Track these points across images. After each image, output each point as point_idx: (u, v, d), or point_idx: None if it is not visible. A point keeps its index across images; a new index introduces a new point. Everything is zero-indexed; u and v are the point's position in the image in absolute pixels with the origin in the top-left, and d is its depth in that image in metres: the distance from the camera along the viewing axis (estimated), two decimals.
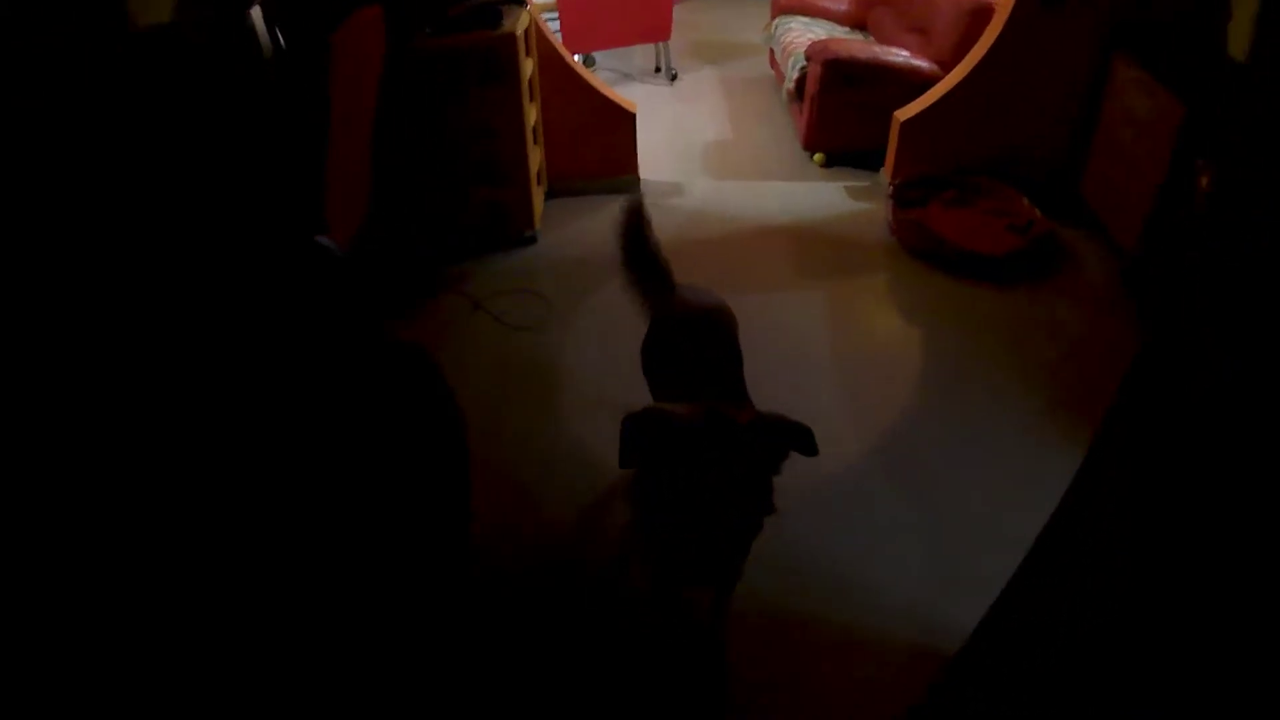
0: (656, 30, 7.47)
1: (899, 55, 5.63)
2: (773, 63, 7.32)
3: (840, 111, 5.80)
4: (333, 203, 3.61)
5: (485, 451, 3.69)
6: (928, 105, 5.25)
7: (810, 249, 5.20)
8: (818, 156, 6.10)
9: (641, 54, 8.44)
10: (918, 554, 3.27)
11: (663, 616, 3.10)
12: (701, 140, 6.66)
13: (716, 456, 2.38)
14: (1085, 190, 5.14)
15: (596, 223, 5.42)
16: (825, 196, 5.72)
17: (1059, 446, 3.65)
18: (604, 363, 4.24)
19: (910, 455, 3.70)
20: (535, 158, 5.16)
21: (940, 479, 3.58)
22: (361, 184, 4.20)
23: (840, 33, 6.67)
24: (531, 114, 4.97)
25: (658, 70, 8.05)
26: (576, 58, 6.30)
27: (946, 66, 5.46)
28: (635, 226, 3.33)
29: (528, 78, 4.83)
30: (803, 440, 2.43)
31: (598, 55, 8.23)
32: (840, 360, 4.28)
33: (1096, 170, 5.03)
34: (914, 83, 5.50)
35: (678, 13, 8.05)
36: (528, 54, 4.87)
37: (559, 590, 3.19)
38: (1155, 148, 4.34)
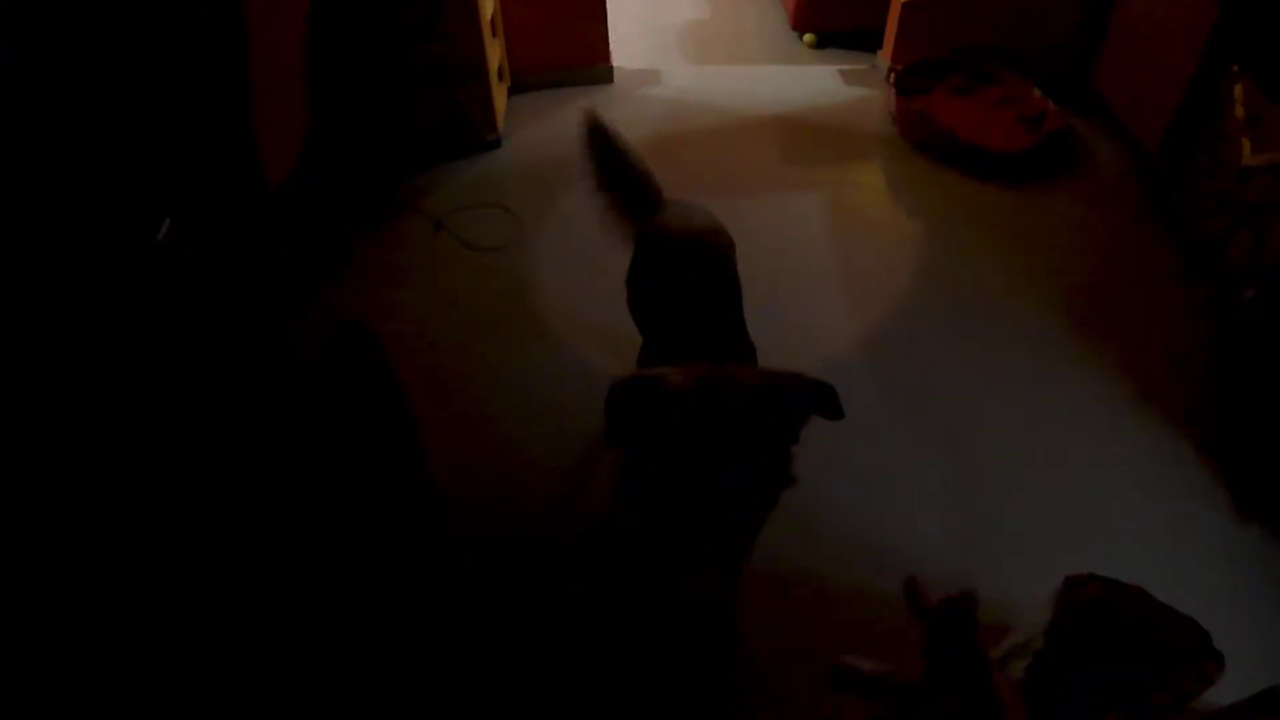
0: None
1: None
2: None
3: None
4: (262, 129, 3.14)
5: (456, 394, 3.42)
6: None
7: (803, 141, 4.75)
8: (808, 37, 5.56)
9: None
10: (933, 500, 3.00)
11: (657, 598, 2.75)
12: (679, 20, 6.06)
13: (720, 430, 2.02)
14: (1100, 81, 4.69)
15: (567, 120, 4.86)
16: (817, 82, 5.22)
17: (1073, 363, 3.46)
18: (582, 285, 3.83)
19: (919, 380, 3.42)
20: (495, 52, 4.62)
21: (952, 407, 3.30)
22: (297, 97, 3.71)
23: None
24: (488, 6, 4.42)
25: None
26: None
27: None
28: (601, 140, 2.87)
29: None
30: (825, 402, 2.06)
31: None
32: (840, 268, 3.93)
33: (1113, 60, 4.58)
34: None
35: None
36: None
37: (541, 560, 2.88)
38: (1181, 46, 3.91)
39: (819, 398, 2.06)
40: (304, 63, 3.73)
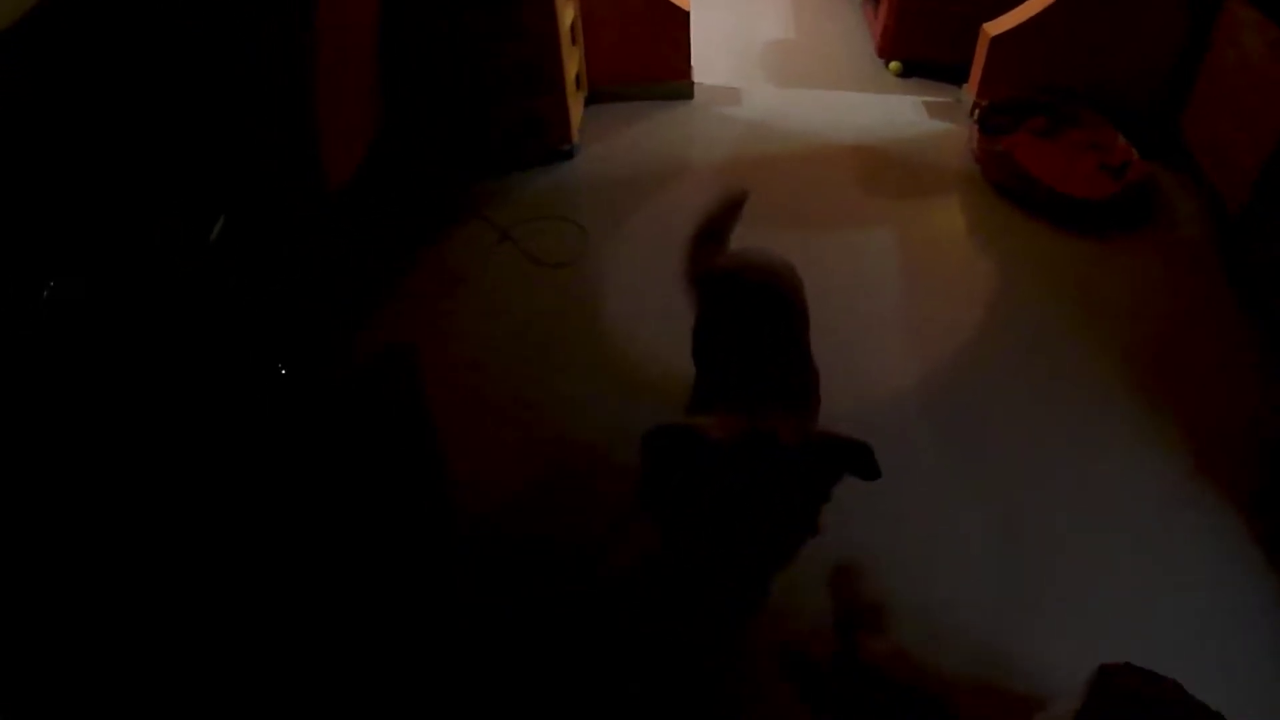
0: None
1: None
2: None
3: (921, 17, 5.16)
4: (328, 128, 3.12)
5: (500, 411, 3.38)
6: (1022, 20, 4.60)
7: (880, 173, 4.66)
8: (893, 65, 5.46)
9: None
10: (979, 557, 2.91)
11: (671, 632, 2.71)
12: (763, 39, 6.00)
13: (754, 485, 2.05)
14: (1186, 130, 4.53)
15: (643, 134, 4.90)
16: (900, 112, 5.12)
17: (1133, 426, 3.32)
18: (645, 311, 3.76)
19: (972, 428, 3.33)
20: (573, 60, 4.59)
21: (1003, 461, 3.20)
22: (366, 100, 3.70)
23: None
24: (568, 12, 4.39)
25: None
26: None
27: None
28: (732, 212, 2.94)
29: None
30: (861, 462, 2.06)
31: None
32: (906, 306, 3.86)
33: (1200, 110, 4.43)
34: None
35: None
36: None
37: (564, 594, 2.82)
38: (1272, 101, 3.76)
39: (856, 457, 2.05)
40: (375, 62, 3.71)
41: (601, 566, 2.86)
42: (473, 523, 2.96)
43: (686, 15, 4.89)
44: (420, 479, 2.57)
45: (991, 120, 4.55)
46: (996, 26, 4.70)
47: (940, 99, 5.21)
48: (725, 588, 2.41)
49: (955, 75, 5.16)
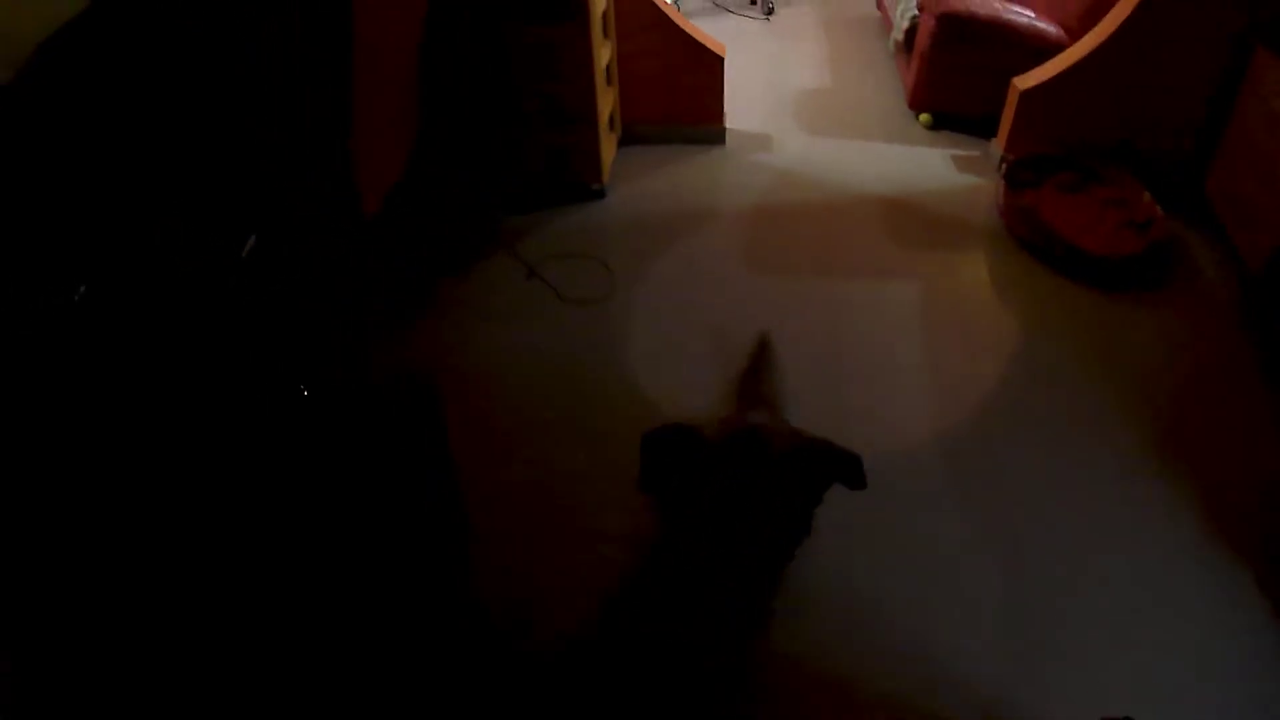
0: None
1: (1023, 15, 5.02)
2: (880, 4, 6.73)
3: (952, 71, 5.22)
4: (364, 150, 3.19)
5: (516, 447, 3.41)
6: (1052, 75, 4.65)
7: (908, 225, 4.69)
8: (924, 117, 5.53)
9: None
10: (986, 609, 2.89)
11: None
12: (796, 87, 6.09)
13: (748, 483, 2.14)
14: (1211, 190, 4.55)
15: (674, 177, 4.97)
16: (929, 165, 5.17)
17: (1147, 485, 3.28)
18: (667, 354, 3.80)
19: (987, 482, 3.31)
20: (607, 101, 4.68)
21: (1016, 514, 3.19)
22: (401, 127, 3.77)
23: None
24: (604, 54, 4.48)
25: (753, 2, 7.44)
26: None
27: (1074, 34, 4.86)
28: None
29: (600, 12, 4.33)
30: (849, 472, 2.19)
31: None
32: (927, 359, 3.84)
33: (1224, 168, 4.44)
34: (1037, 47, 4.90)
35: None
36: None
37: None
38: None
39: (845, 466, 2.16)
40: (414, 89, 3.78)
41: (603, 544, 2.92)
42: (484, 554, 2.97)
43: (721, 61, 4.99)
44: (434, 502, 2.57)
45: (1018, 175, 4.59)
46: (1026, 81, 4.75)
47: (969, 152, 5.25)
48: (725, 587, 2.33)
49: (985, 129, 5.21)
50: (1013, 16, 4.99)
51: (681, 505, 2.23)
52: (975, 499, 3.23)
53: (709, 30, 5.18)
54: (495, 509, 3.13)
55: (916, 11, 5.41)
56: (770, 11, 7.30)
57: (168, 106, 2.24)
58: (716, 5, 7.42)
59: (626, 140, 5.17)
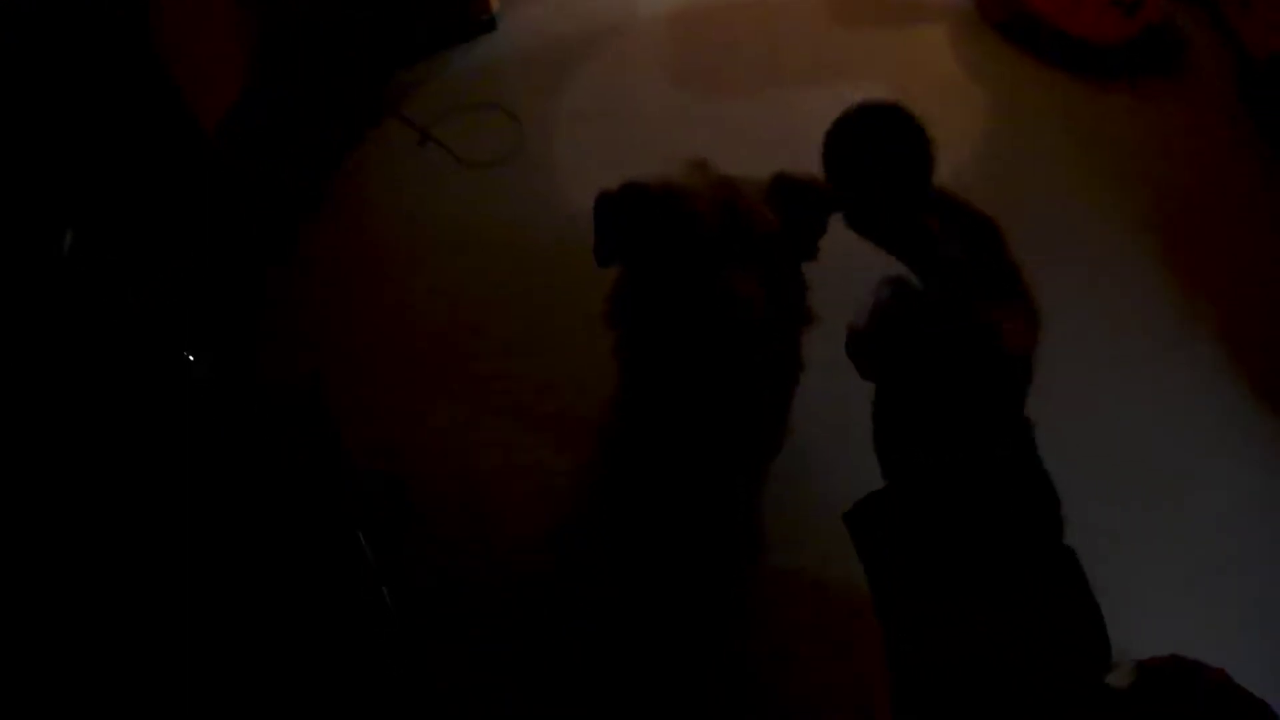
0: None
1: None
2: None
3: None
4: (183, 66, 2.56)
5: (451, 354, 2.98)
6: None
7: (860, 12, 3.99)
8: None
9: None
10: None
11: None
12: None
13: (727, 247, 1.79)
14: None
15: None
16: None
17: (1154, 285, 3.00)
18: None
19: None
20: None
21: None
22: (229, 10, 3.08)
23: None
24: None
25: None
26: None
27: None
28: None
29: None
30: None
31: None
32: None
33: None
34: None
35: None
36: None
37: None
38: None
39: (840, 198, 1.84)
40: None
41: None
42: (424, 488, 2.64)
43: None
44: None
45: None
46: None
47: None
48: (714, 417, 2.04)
49: None
50: None
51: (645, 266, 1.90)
52: None
53: None
54: (428, 426, 2.79)
55: None
56: None
57: None
58: None
59: None
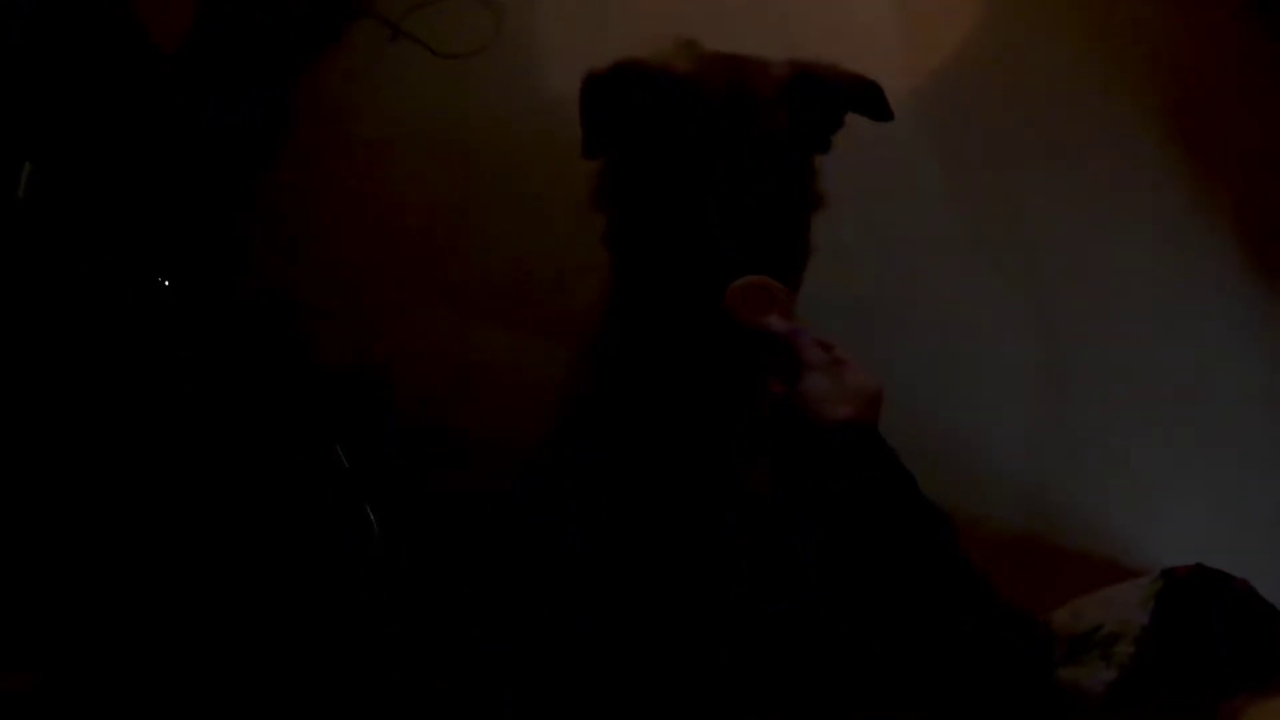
0: None
1: None
2: None
3: None
4: None
5: (438, 253, 2.92)
6: None
7: None
8: None
9: None
10: (1009, 361, 2.72)
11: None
12: None
13: (730, 125, 1.71)
14: None
15: None
16: None
17: (1160, 166, 2.99)
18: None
19: (978, 153, 2.98)
20: None
21: (1034, 235, 2.88)
22: None
23: None
24: None
25: None
26: None
27: None
28: None
29: None
30: (868, 100, 1.81)
31: None
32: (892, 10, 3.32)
33: None
34: None
35: None
36: None
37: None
38: None
39: (863, 95, 1.80)
40: None
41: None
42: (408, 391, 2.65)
43: None
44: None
45: None
46: None
47: None
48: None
49: None
50: None
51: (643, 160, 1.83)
52: (965, 172, 2.94)
53: None
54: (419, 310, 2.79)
55: None
56: None
57: None
58: None
59: None
